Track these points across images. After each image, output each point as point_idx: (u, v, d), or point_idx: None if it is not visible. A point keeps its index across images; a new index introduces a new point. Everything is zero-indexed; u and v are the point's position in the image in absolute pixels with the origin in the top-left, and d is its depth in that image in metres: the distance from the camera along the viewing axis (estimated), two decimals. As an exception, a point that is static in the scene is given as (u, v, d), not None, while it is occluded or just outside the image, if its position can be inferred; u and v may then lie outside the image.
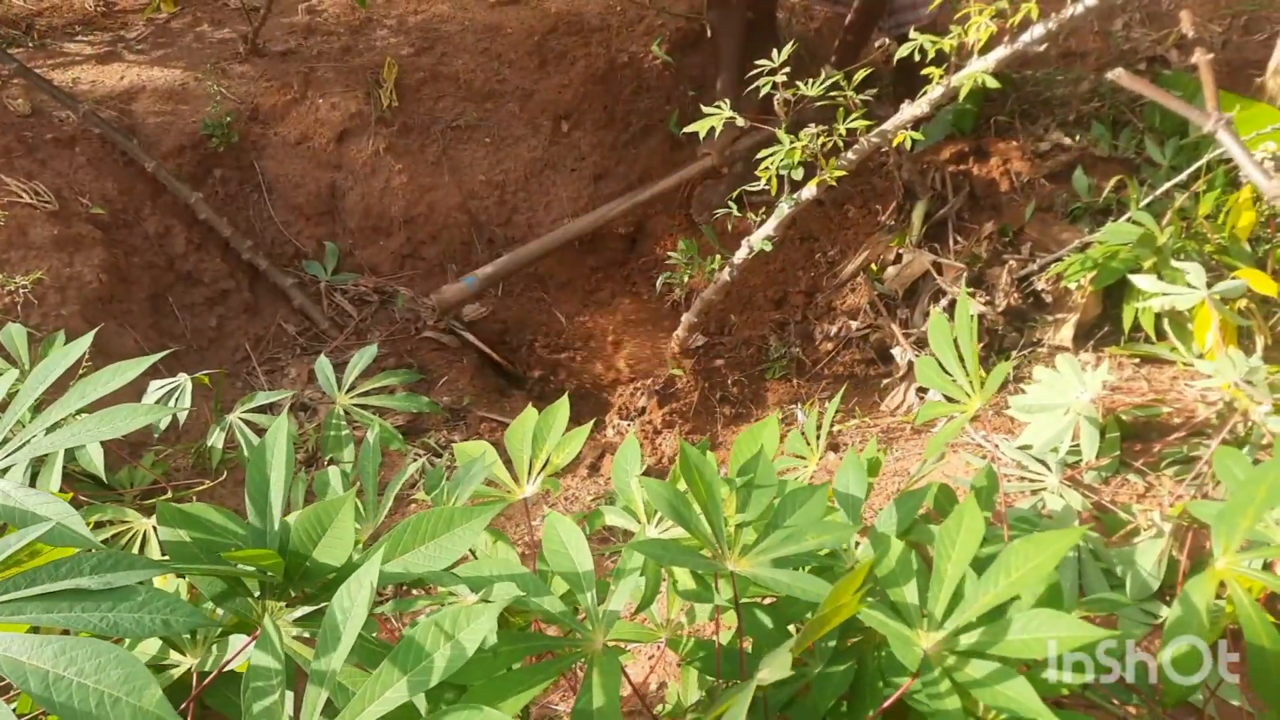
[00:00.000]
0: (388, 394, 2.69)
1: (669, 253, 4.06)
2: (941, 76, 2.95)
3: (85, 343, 1.45)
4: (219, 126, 4.38)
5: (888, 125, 3.12)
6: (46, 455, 2.25)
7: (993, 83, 2.78)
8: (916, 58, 2.89)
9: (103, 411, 1.27)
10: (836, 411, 4.15)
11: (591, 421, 1.88)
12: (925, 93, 2.99)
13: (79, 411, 1.37)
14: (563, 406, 1.80)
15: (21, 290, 3.27)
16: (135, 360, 1.39)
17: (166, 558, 1.46)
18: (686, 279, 3.95)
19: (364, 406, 2.60)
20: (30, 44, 4.80)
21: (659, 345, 4.49)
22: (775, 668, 1.13)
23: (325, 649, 1.11)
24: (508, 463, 1.79)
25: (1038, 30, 2.84)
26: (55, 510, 1.23)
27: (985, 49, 2.89)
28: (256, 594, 1.33)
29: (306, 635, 1.37)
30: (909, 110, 3.09)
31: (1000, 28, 2.76)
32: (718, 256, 3.79)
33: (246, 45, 4.74)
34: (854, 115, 3.03)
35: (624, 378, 4.48)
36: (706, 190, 4.97)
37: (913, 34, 2.92)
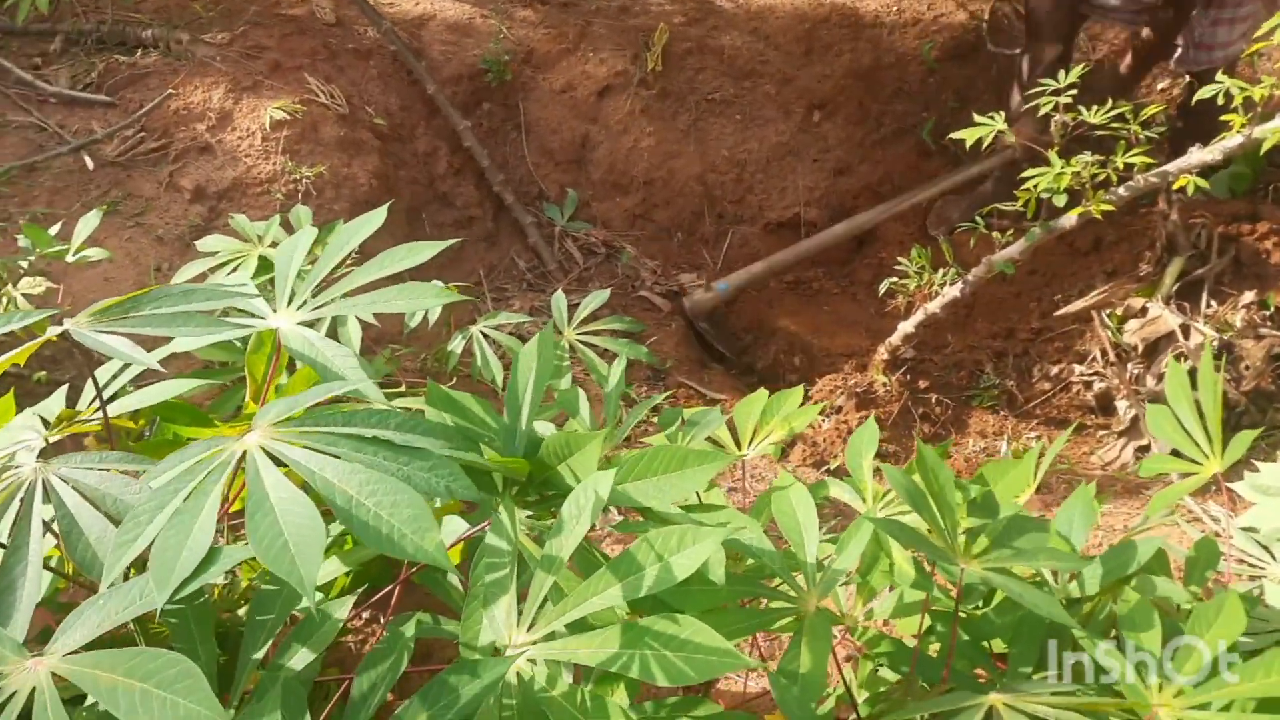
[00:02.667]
0: (610, 337, 2.80)
1: (898, 259, 4.00)
2: (1243, 125, 2.77)
3: (381, 214, 1.56)
4: (496, 63, 4.63)
5: (1171, 167, 2.96)
6: (317, 321, 2.48)
7: (1304, 139, 2.59)
8: (1220, 100, 2.72)
9: (406, 285, 1.39)
10: (1041, 453, 3.99)
11: (820, 404, 1.90)
12: (1223, 138, 2.81)
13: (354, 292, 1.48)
14: (796, 392, 1.82)
15: (305, 180, 3.59)
16: (429, 243, 1.50)
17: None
18: (913, 288, 3.88)
19: (587, 344, 2.72)
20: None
21: (866, 350, 4.44)
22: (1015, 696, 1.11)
23: (555, 536, 1.19)
24: (731, 430, 1.83)
25: (1367, 92, 2.62)
26: (349, 366, 1.36)
27: (1300, 104, 2.69)
28: (499, 488, 1.43)
29: (533, 533, 1.46)
30: (1198, 155, 2.92)
31: (1323, 82, 2.56)
32: (951, 270, 3.71)
33: (533, -10, 4.98)
34: (1135, 150, 2.89)
35: (823, 374, 4.45)
36: (947, 204, 4.85)
37: (1220, 76, 2.76)
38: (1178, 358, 3.75)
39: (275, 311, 1.44)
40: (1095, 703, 1.17)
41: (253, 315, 1.42)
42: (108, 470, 1.09)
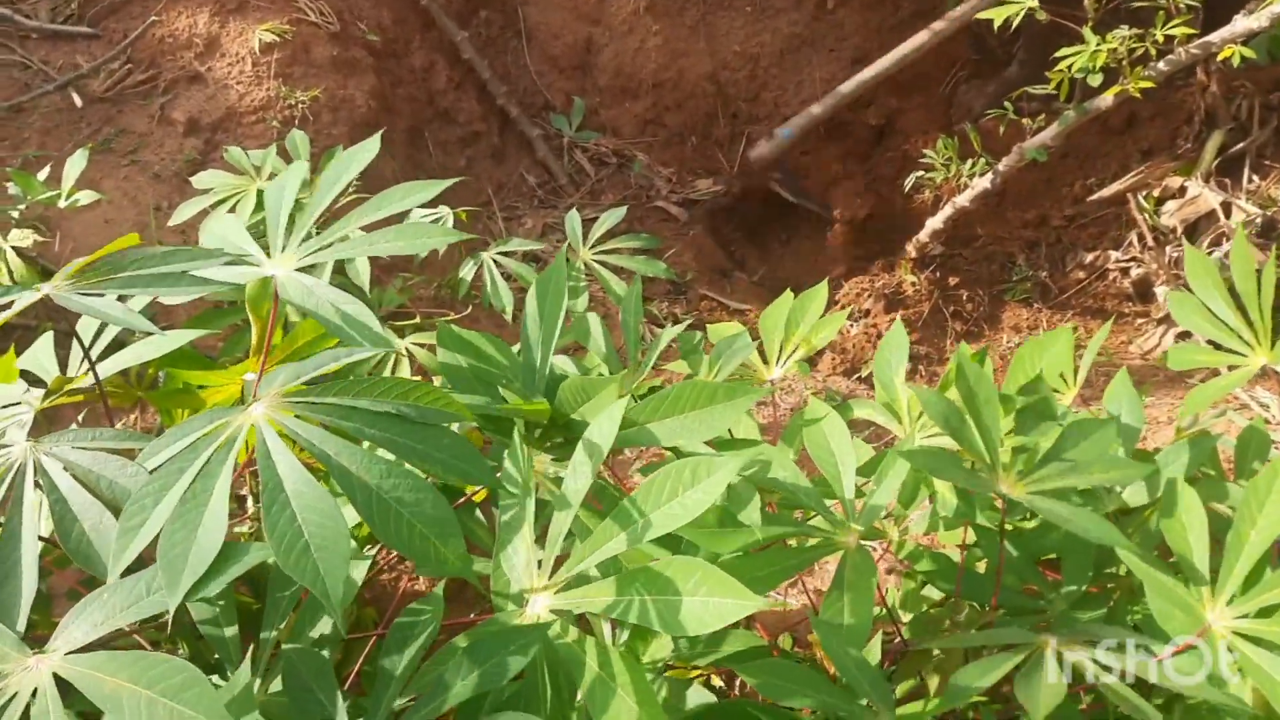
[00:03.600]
0: (628, 255, 2.69)
1: (923, 151, 3.83)
2: (1294, -14, 2.57)
3: (375, 143, 1.44)
4: (490, -33, 4.41)
5: (1214, 37, 2.77)
6: (317, 264, 2.38)
7: (1362, -2, 2.40)
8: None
9: (404, 225, 1.29)
10: (1077, 347, 3.87)
11: (847, 309, 1.80)
12: (1270, 3, 2.62)
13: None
14: (821, 292, 1.72)
15: (300, 105, 3.45)
16: (429, 182, 1.39)
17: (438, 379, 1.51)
18: (940, 181, 3.73)
19: (603, 264, 2.62)
20: None
21: (893, 248, 4.29)
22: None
23: (569, 477, 1.11)
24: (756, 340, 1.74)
25: None
26: (355, 310, 1.26)
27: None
28: (521, 430, 1.35)
29: (555, 474, 1.39)
30: (1243, 22, 2.73)
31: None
32: (980, 160, 3.54)
33: (525, -114, 4.71)
34: (1175, 21, 2.71)
35: (851, 276, 4.33)
36: (970, 90, 4.63)
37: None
38: (1218, 239, 3.60)
39: (270, 257, 1.35)
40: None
41: (248, 263, 1.32)
42: (102, 450, 1.01)
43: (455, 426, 1.49)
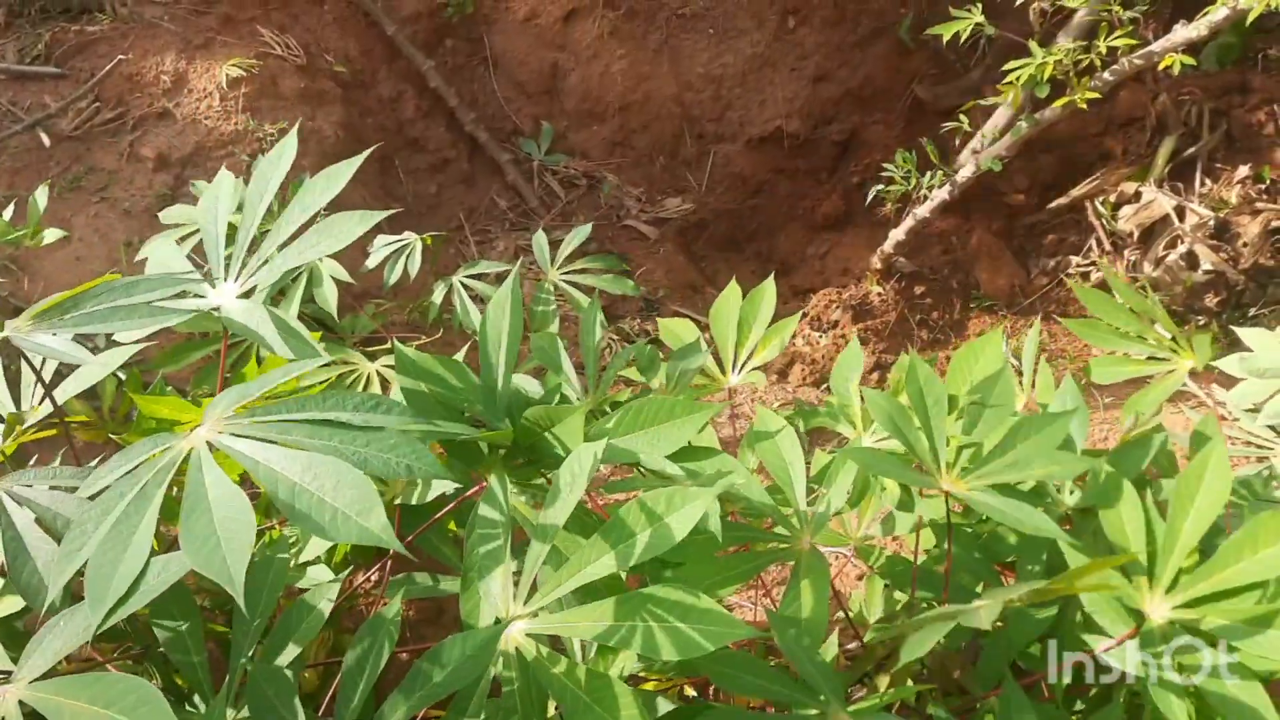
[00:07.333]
0: (596, 274, 2.74)
1: (885, 165, 3.91)
2: (1229, -3, 2.66)
3: (345, 174, 1.44)
4: (454, -4, 4.47)
5: (1155, 47, 2.86)
6: (286, 289, 2.42)
7: (1293, 6, 2.49)
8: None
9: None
10: (1041, 349, 3.96)
11: (798, 314, 1.84)
12: (1206, 13, 2.71)
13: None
14: (769, 289, 1.74)
15: (269, 138, 3.49)
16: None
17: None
18: (901, 193, 3.80)
19: (572, 284, 2.67)
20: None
21: (860, 260, 4.37)
22: (986, 613, 1.08)
23: (550, 504, 1.15)
24: (710, 341, 1.77)
25: (1357, -50, 2.50)
26: (269, 332, 1.29)
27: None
28: (486, 451, 1.38)
29: (522, 494, 1.42)
30: (1182, 32, 2.81)
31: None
32: (939, 173, 3.62)
33: (487, -84, 4.78)
34: (1118, 33, 2.79)
35: (818, 288, 4.40)
36: (932, 94, 4.74)
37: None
38: (1173, 242, 3.69)
39: (214, 287, 1.35)
40: (1076, 574, 1.12)
41: (196, 294, 1.34)
42: (61, 489, 1.04)
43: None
